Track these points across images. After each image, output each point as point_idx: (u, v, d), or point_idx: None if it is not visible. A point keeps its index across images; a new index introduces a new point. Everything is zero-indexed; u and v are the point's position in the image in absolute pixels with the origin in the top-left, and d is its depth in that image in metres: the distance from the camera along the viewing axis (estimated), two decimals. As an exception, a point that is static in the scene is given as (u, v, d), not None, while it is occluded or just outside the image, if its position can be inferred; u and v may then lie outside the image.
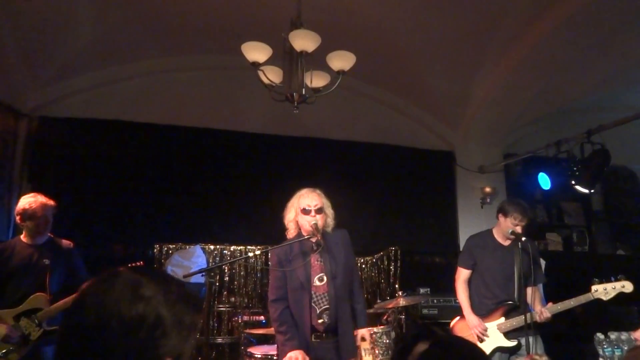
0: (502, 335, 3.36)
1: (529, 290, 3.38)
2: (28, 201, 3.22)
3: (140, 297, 0.90)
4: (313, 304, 2.78)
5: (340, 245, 2.94)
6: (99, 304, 0.88)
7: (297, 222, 2.91)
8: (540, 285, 3.69)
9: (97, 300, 0.89)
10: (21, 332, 3.05)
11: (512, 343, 3.33)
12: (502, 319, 3.38)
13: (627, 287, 3.14)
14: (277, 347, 2.84)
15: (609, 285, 3.15)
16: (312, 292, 2.80)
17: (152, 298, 0.91)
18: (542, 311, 3.25)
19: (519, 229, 3.35)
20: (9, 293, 3.13)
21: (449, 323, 3.76)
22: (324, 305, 2.78)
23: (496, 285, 3.45)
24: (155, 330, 0.89)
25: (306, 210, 2.84)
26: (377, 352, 3.51)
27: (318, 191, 2.95)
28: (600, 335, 3.68)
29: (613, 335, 3.71)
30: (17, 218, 3.23)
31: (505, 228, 3.42)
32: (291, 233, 2.95)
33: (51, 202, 3.30)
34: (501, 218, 3.48)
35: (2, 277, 3.14)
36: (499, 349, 3.36)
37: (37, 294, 3.15)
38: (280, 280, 2.85)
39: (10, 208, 4.64)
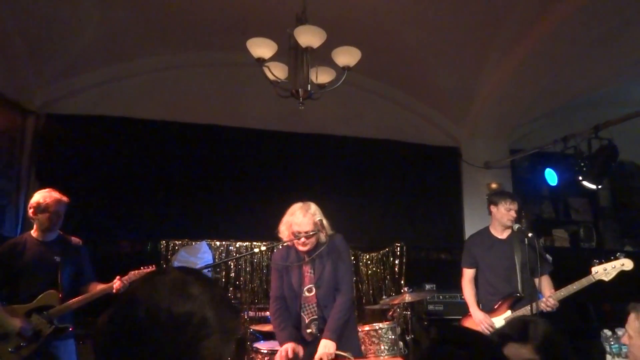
0: None
1: (537, 281, 3.39)
2: (42, 195, 3.26)
3: (189, 295, 0.91)
4: (302, 314, 2.87)
5: (335, 254, 2.92)
6: (150, 299, 0.90)
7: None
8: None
9: (148, 295, 0.91)
10: (33, 328, 3.09)
11: None
12: (509, 312, 3.38)
13: (627, 264, 3.11)
14: None
15: (608, 265, 3.12)
16: (302, 302, 2.88)
17: (199, 297, 0.91)
18: (548, 299, 3.23)
19: (513, 213, 3.43)
20: (22, 289, 3.15)
21: (455, 319, 3.77)
22: (312, 316, 2.86)
23: (499, 280, 3.46)
24: (200, 329, 0.89)
25: (297, 236, 2.82)
26: (382, 347, 3.52)
27: (312, 210, 2.87)
28: (607, 332, 3.66)
29: (620, 332, 3.68)
30: (30, 211, 3.27)
31: (501, 217, 3.50)
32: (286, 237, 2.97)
33: (65, 199, 3.34)
34: (493, 209, 3.57)
35: (15, 272, 3.16)
36: None
37: (49, 291, 3.18)
38: (279, 280, 2.97)
39: (18, 205, 4.68)
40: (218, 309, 0.93)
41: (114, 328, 0.91)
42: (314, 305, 2.86)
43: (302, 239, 2.80)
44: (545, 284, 3.40)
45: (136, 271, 3.43)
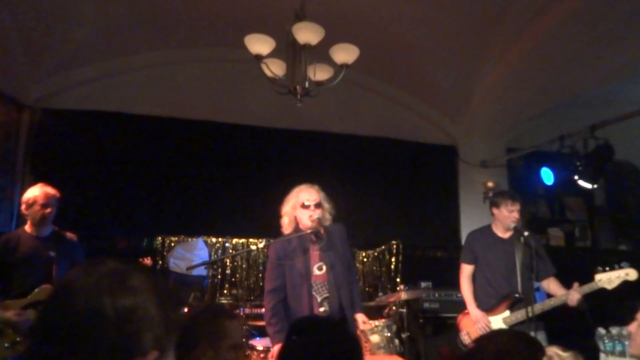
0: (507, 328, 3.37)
1: (544, 283, 3.42)
2: (33, 190, 3.29)
3: (130, 287, 0.88)
4: (314, 293, 2.86)
5: (338, 238, 3.01)
6: (89, 291, 0.86)
7: (294, 217, 2.98)
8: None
9: (87, 287, 0.87)
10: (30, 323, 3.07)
11: None
12: (507, 313, 3.38)
13: (632, 274, 3.08)
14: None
15: (612, 274, 3.10)
16: (312, 282, 2.87)
17: (141, 290, 0.89)
18: (572, 295, 3.18)
19: (515, 214, 3.41)
20: (16, 284, 3.14)
21: (450, 317, 3.77)
22: (325, 294, 2.86)
23: (499, 279, 3.45)
24: (143, 322, 0.87)
25: (305, 205, 2.91)
26: (378, 344, 3.51)
27: (316, 187, 3.03)
28: (601, 330, 3.67)
29: (614, 330, 3.71)
30: (23, 207, 3.29)
31: (503, 219, 3.48)
32: (287, 229, 3.01)
33: (56, 193, 3.34)
34: (495, 211, 3.55)
35: (9, 268, 3.16)
36: None
37: (44, 286, 3.16)
38: (278, 272, 2.93)
39: (13, 200, 4.66)
40: (160, 301, 0.91)
41: (50, 321, 0.87)
42: (325, 283, 2.87)
43: (312, 207, 2.90)
44: (554, 285, 3.40)
45: None
